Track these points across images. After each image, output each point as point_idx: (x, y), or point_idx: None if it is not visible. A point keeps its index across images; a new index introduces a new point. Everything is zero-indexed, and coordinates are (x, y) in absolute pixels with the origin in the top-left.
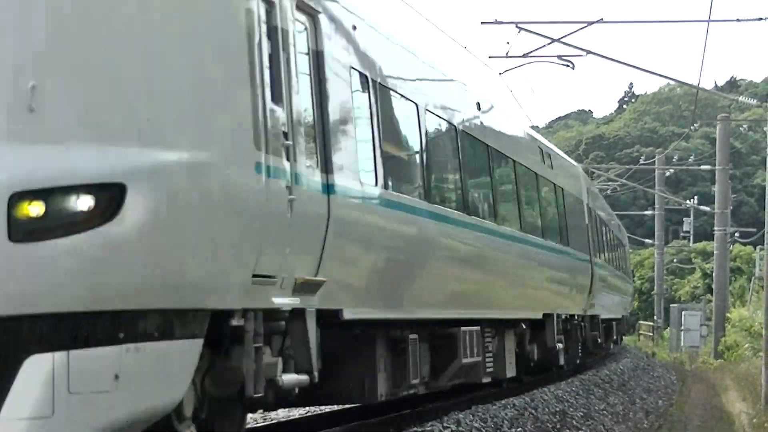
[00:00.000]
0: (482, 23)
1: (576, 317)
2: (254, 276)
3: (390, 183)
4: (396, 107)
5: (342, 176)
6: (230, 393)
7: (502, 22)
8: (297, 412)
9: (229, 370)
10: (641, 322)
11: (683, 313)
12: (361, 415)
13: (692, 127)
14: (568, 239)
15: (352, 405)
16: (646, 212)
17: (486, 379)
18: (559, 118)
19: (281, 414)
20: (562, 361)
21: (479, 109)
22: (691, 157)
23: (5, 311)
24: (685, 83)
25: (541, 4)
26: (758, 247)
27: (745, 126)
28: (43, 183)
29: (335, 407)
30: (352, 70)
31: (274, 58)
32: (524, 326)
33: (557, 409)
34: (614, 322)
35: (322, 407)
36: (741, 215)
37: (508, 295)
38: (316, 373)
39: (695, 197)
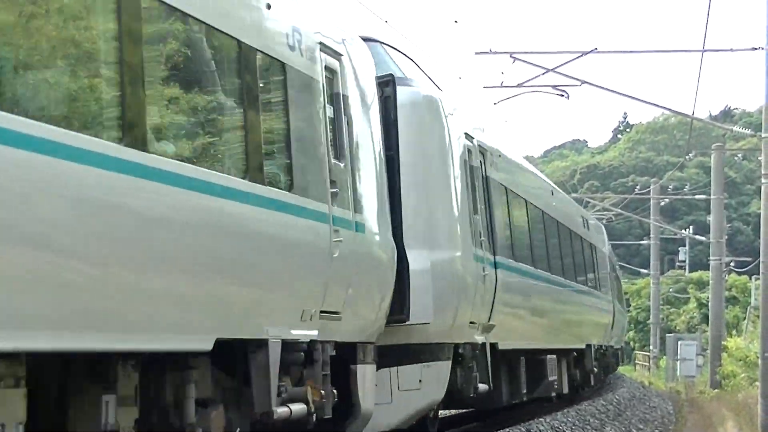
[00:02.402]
0: (477, 53)
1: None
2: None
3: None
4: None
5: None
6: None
7: (496, 52)
8: None
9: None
10: (637, 352)
11: (679, 342)
12: None
13: (687, 157)
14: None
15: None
16: (641, 242)
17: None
18: (554, 148)
19: None
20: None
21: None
22: (686, 187)
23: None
24: (680, 113)
25: (536, 34)
26: (753, 277)
27: (739, 155)
28: None
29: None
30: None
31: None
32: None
33: None
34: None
35: None
36: (736, 244)
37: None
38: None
39: (690, 227)
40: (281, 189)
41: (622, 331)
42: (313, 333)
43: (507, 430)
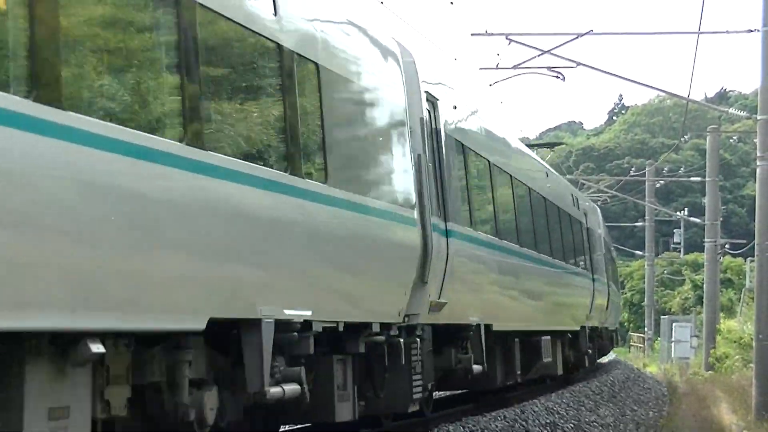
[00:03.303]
0: (472, 35)
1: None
2: None
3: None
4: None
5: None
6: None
7: (492, 34)
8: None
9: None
10: (632, 333)
11: (674, 324)
12: (347, 427)
13: (682, 139)
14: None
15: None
16: (636, 224)
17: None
18: (550, 130)
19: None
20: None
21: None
22: (682, 169)
23: None
24: (675, 95)
25: (532, 15)
26: (748, 259)
27: (735, 138)
28: None
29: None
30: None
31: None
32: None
33: (548, 420)
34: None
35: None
36: (731, 226)
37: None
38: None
39: (685, 209)
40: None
41: (619, 311)
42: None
43: (502, 411)
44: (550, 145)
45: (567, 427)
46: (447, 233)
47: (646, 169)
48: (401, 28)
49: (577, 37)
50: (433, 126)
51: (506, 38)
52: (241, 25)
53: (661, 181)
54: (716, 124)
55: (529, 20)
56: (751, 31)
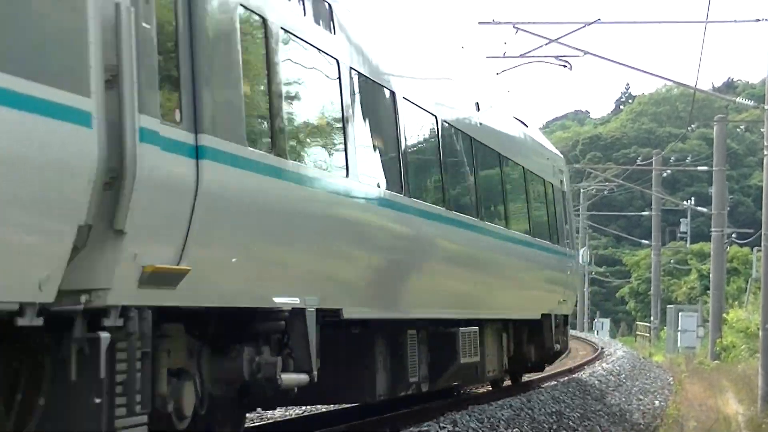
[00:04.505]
0: (480, 23)
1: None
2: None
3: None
4: None
5: None
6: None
7: (499, 23)
8: (294, 412)
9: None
10: (638, 323)
11: (680, 314)
12: (358, 414)
13: (689, 128)
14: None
15: (351, 405)
16: (643, 213)
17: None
18: (557, 119)
19: (278, 413)
20: None
21: None
22: (688, 158)
23: None
24: (683, 84)
25: (539, 4)
26: (755, 249)
27: (742, 127)
28: None
29: (332, 407)
30: None
31: None
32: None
33: (554, 409)
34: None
35: (319, 407)
36: (738, 216)
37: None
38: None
39: (692, 198)
40: None
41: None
42: None
43: (508, 400)
44: None
45: (573, 416)
46: (198, 151)
47: (653, 158)
48: None
49: (584, 26)
50: None
51: (513, 27)
52: None
53: (668, 171)
54: (723, 114)
55: (537, 9)
56: (759, 20)
